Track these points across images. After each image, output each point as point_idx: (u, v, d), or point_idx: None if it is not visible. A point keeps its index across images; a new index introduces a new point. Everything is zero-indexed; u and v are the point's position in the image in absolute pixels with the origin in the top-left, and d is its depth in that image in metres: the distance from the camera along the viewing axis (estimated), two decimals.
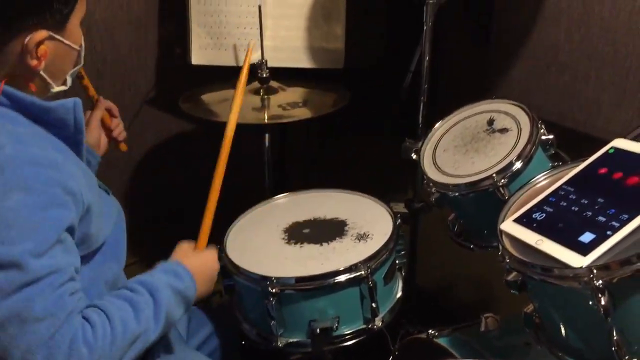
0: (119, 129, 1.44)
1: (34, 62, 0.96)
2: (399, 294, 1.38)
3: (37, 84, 1.00)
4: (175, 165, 2.30)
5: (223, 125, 1.74)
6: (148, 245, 1.50)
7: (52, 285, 0.87)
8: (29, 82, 0.99)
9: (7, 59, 0.95)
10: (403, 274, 1.43)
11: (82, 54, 1.05)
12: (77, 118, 1.00)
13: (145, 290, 1.00)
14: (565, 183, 1.10)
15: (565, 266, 0.94)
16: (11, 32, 0.94)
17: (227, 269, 1.31)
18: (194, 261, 1.14)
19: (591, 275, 0.90)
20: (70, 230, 0.93)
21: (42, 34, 0.95)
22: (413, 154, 1.60)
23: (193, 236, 1.37)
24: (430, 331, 1.34)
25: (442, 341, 1.31)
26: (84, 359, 0.86)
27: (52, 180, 0.91)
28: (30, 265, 0.85)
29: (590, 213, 1.01)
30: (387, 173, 2.22)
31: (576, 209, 1.03)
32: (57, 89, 1.03)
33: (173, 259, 1.14)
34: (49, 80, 1.00)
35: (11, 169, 0.88)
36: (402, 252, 1.40)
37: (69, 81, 1.06)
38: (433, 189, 1.34)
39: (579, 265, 0.92)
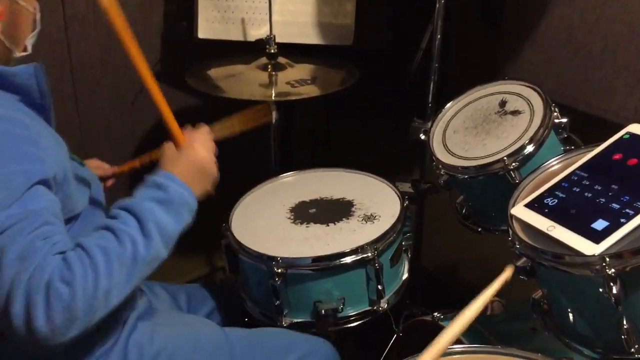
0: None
1: None
2: (405, 276, 1.37)
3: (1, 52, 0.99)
4: None
5: (229, 101, 1.73)
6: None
7: (21, 232, 0.85)
8: None
9: None
10: (409, 255, 1.42)
11: (38, 17, 1.04)
12: (39, 82, 0.99)
13: (124, 212, 0.96)
14: (579, 168, 1.08)
15: (577, 253, 0.92)
16: None
17: (232, 248, 1.30)
18: (180, 163, 1.06)
19: (603, 264, 0.89)
20: (44, 183, 0.91)
21: None
22: (422, 135, 1.59)
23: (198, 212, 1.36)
24: (435, 314, 1.33)
25: (447, 324, 1.30)
26: (64, 296, 0.83)
27: (21, 137, 0.91)
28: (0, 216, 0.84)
29: (603, 200, 0.99)
30: (393, 152, 2.20)
31: (589, 195, 1.01)
32: (18, 54, 1.03)
33: (156, 170, 1.07)
34: (7, 44, 1.00)
35: None
36: (409, 234, 1.39)
37: (29, 47, 1.05)
38: (442, 171, 1.32)
39: (591, 253, 0.91)
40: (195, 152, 1.10)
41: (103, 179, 1.36)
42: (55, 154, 0.97)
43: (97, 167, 1.36)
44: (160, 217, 0.96)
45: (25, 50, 1.04)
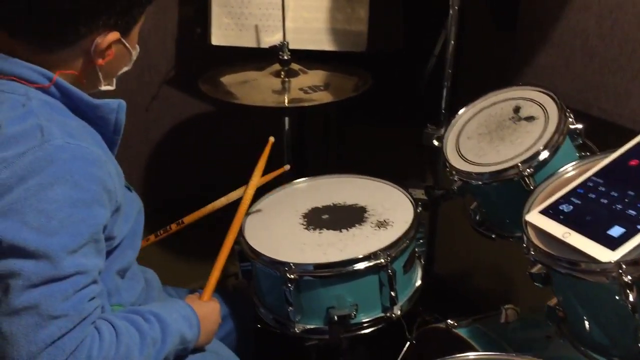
0: None
1: (99, 61, 0.99)
2: (418, 283, 1.36)
3: (88, 81, 1.02)
4: (194, 146, 2.30)
5: (242, 107, 1.73)
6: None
7: (76, 285, 0.87)
8: (83, 79, 1.00)
9: (74, 53, 0.97)
10: (422, 262, 1.41)
11: (133, 59, 1.08)
12: (118, 119, 1.02)
13: (158, 328, 1.00)
14: (594, 174, 1.07)
15: (593, 260, 0.92)
16: (91, 28, 0.95)
17: (245, 253, 1.30)
18: (201, 310, 1.14)
19: (620, 271, 0.88)
20: (103, 229, 0.94)
21: (115, 35, 0.98)
22: (435, 141, 1.58)
23: (209, 219, 1.36)
24: (449, 321, 1.32)
25: (461, 332, 1.30)
26: None
27: (96, 177, 0.92)
28: (62, 260, 0.85)
29: (620, 206, 0.98)
30: (406, 159, 2.20)
31: (605, 201, 1.00)
32: (104, 88, 1.05)
33: (187, 303, 1.13)
34: (101, 79, 1.03)
35: (61, 161, 0.88)
36: (422, 240, 1.38)
37: (114, 82, 1.08)
38: (456, 177, 1.31)
39: (607, 260, 0.90)
40: (215, 311, 1.21)
41: None
42: (117, 189, 0.98)
43: None
44: (172, 351, 1.03)
45: (111, 84, 1.07)
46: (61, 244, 0.86)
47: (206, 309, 1.17)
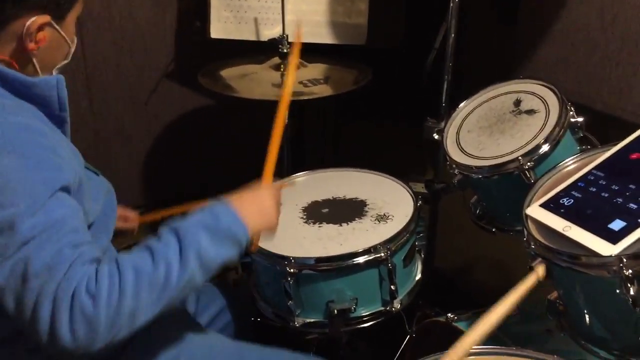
0: None
1: (30, 45, 0.97)
2: (418, 277, 1.36)
3: (23, 70, 1.00)
4: (193, 140, 2.29)
5: (241, 101, 1.72)
6: (164, 222, 1.49)
7: (48, 240, 0.85)
8: (17, 66, 0.99)
9: (6, 39, 0.96)
10: (422, 256, 1.41)
11: (72, 51, 1.06)
12: (60, 95, 1.00)
13: (169, 233, 0.94)
14: (595, 168, 1.07)
15: (594, 254, 0.91)
16: (19, 10, 0.94)
17: (245, 247, 1.29)
18: (246, 199, 1.03)
19: (621, 265, 0.87)
20: (66, 190, 0.92)
21: (45, 18, 0.97)
22: (435, 134, 1.58)
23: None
24: (449, 315, 1.32)
25: (461, 325, 1.29)
26: (87, 309, 0.83)
27: (42, 145, 0.91)
28: (24, 225, 0.84)
29: (620, 200, 0.97)
30: (406, 152, 2.19)
31: (606, 195, 1.00)
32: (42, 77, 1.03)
33: (222, 200, 1.03)
34: (38, 68, 1.01)
35: (1, 136, 0.88)
36: (422, 234, 1.38)
37: (54, 73, 1.06)
38: (456, 171, 1.31)
39: (608, 254, 0.89)
40: (262, 195, 1.07)
41: (124, 231, 1.38)
42: (72, 163, 0.97)
43: (121, 216, 1.36)
44: (203, 245, 0.93)
45: (50, 75, 1.05)
46: (19, 212, 0.84)
47: (252, 193, 1.06)
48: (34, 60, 1.00)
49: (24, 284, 0.84)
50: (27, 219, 0.85)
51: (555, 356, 0.93)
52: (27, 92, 0.97)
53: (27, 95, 0.97)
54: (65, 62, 1.07)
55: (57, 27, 1.00)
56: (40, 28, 0.97)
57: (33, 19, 0.95)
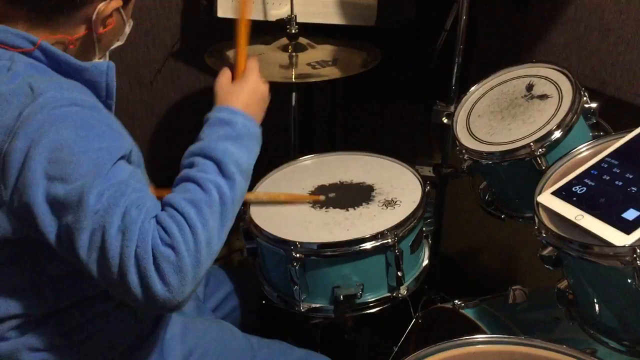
0: None
1: (100, 30, 0.98)
2: (425, 262, 1.35)
3: (81, 51, 1.00)
4: (199, 120, 2.27)
5: None
6: None
7: (116, 205, 0.85)
8: (77, 48, 0.99)
9: (75, 21, 0.96)
10: (429, 241, 1.40)
11: (127, 33, 1.07)
12: (109, 81, 1.00)
13: (200, 158, 0.95)
14: (609, 155, 1.05)
15: (607, 244, 0.89)
16: None
17: (251, 232, 1.28)
18: (241, 94, 1.06)
19: (634, 255, 0.86)
20: (124, 158, 0.92)
21: (118, 2, 0.98)
22: (444, 118, 1.55)
23: None
24: (456, 301, 1.31)
25: (468, 312, 1.28)
26: (171, 257, 0.84)
27: (98, 119, 0.92)
28: (92, 196, 0.85)
29: (635, 189, 0.95)
30: (412, 136, 2.17)
31: (620, 183, 0.98)
32: (97, 60, 1.04)
33: (217, 105, 1.06)
34: (97, 50, 1.02)
35: (57, 109, 0.88)
36: (430, 220, 1.36)
37: (107, 56, 1.07)
38: (465, 156, 1.29)
39: (621, 244, 0.88)
40: (251, 82, 1.09)
41: None
42: (128, 138, 0.99)
43: None
44: (235, 154, 0.96)
45: (104, 57, 1.06)
46: (86, 184, 0.85)
47: (243, 89, 1.08)
48: (96, 44, 1.00)
49: (105, 253, 0.84)
50: (94, 189, 0.85)
51: (565, 346, 0.92)
52: (78, 76, 0.97)
53: (77, 78, 0.97)
54: (120, 43, 1.07)
55: (122, 12, 1.00)
56: (111, 14, 0.97)
57: (106, 3, 0.96)
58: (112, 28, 1.00)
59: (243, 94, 1.06)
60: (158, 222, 0.87)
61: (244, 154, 0.98)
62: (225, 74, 1.11)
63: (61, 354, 1.03)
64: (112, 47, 1.06)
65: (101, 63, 0.99)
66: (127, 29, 1.06)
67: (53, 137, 0.86)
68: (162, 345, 1.11)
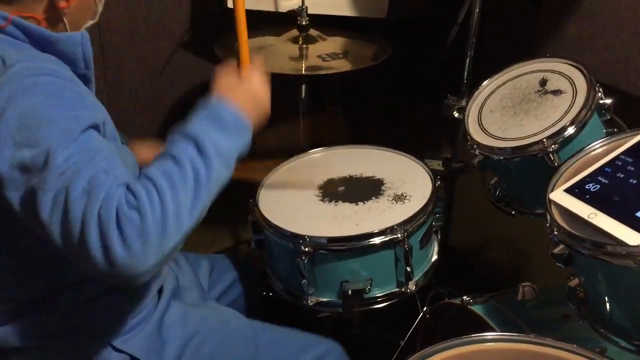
0: None
1: (62, 4, 0.97)
2: (434, 258, 1.34)
3: (56, 31, 0.99)
4: None
5: None
6: None
7: (84, 168, 0.85)
8: (46, 25, 0.98)
9: None
10: (439, 236, 1.39)
11: (99, 10, 1.06)
12: (85, 52, 0.99)
13: (180, 135, 0.95)
14: (623, 153, 1.03)
15: (620, 243, 0.88)
16: None
17: (259, 224, 1.28)
18: (237, 91, 1.05)
19: None
20: (96, 128, 0.92)
21: None
22: (456, 112, 1.54)
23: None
24: (464, 297, 1.30)
25: (476, 308, 1.27)
26: (134, 219, 0.83)
27: (70, 89, 0.91)
28: (59, 157, 0.84)
29: None
30: (422, 129, 2.16)
31: (634, 181, 0.97)
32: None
33: (213, 95, 1.05)
34: (67, 27, 1.01)
35: (27, 77, 0.88)
36: (439, 215, 1.36)
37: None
38: (477, 151, 1.27)
39: (635, 243, 0.86)
40: (253, 84, 1.09)
41: None
42: (102, 111, 0.98)
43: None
44: (215, 137, 0.95)
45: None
46: (52, 147, 0.84)
47: (243, 87, 1.07)
48: (64, 19, 0.99)
49: (67, 213, 0.83)
50: (62, 151, 0.84)
51: (575, 345, 0.91)
52: (52, 48, 0.96)
53: (53, 51, 0.97)
54: (93, 21, 1.06)
55: None
56: None
57: None
58: (78, 3, 1.00)
59: (240, 90, 1.06)
60: (128, 189, 0.86)
61: (225, 140, 0.96)
62: (228, 68, 1.10)
63: (54, 338, 1.03)
64: (87, 25, 1.05)
65: (75, 34, 0.99)
66: (99, 7, 1.05)
67: (22, 104, 0.86)
68: (160, 330, 1.10)
